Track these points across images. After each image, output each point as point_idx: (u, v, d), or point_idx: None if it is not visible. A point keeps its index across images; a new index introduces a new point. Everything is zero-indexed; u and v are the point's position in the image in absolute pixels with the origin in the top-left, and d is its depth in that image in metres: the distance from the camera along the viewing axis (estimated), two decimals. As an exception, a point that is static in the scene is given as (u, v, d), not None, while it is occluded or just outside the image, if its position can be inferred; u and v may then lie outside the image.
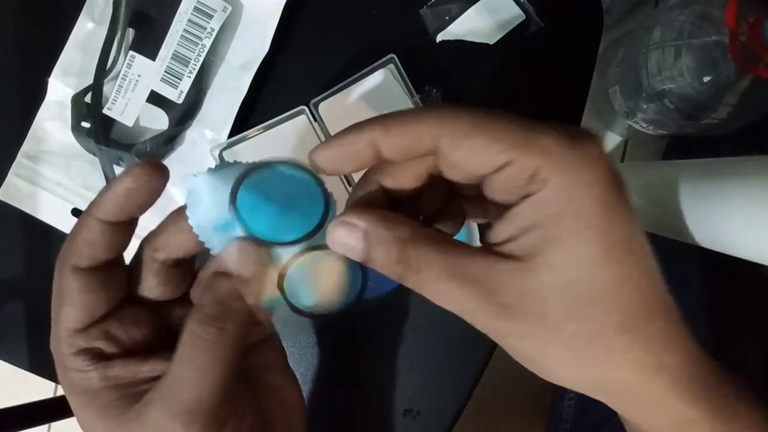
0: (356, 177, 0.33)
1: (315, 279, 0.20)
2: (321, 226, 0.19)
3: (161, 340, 0.21)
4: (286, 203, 0.19)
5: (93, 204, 0.19)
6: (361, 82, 0.34)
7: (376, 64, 0.34)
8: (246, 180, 0.19)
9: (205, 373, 0.18)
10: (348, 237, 0.18)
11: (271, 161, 0.19)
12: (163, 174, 0.19)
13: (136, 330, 0.20)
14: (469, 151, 0.17)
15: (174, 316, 0.22)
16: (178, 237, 0.20)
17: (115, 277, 0.20)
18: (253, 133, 0.35)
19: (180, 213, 0.20)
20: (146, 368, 0.20)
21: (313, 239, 0.19)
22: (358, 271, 0.20)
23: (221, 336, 0.18)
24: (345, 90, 0.34)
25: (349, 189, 0.35)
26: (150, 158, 0.20)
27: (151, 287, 0.21)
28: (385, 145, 0.18)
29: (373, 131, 0.18)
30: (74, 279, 0.19)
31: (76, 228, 0.19)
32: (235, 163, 0.19)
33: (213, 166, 0.19)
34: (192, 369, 0.18)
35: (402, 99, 0.34)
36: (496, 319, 0.18)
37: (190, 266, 0.22)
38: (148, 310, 0.21)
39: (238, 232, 0.19)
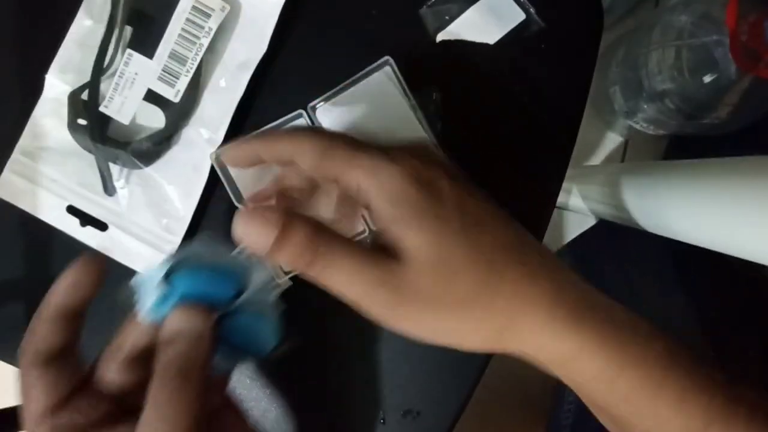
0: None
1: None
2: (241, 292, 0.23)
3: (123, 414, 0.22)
4: (212, 272, 0.23)
5: (43, 304, 0.23)
6: (357, 85, 0.34)
7: (371, 67, 0.34)
8: (179, 262, 0.22)
9: (174, 425, 0.19)
10: (259, 227, 0.20)
11: (191, 247, 0.23)
12: (102, 266, 0.23)
13: (100, 403, 0.22)
14: (309, 166, 0.22)
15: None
16: (132, 334, 0.23)
17: (70, 361, 0.23)
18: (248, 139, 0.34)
19: (134, 317, 0.23)
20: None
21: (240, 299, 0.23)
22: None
23: (185, 387, 0.19)
24: (341, 94, 0.34)
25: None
26: (88, 254, 0.24)
27: (113, 380, 0.22)
28: (263, 154, 0.23)
29: (256, 144, 0.24)
30: (34, 371, 0.22)
31: (31, 326, 0.23)
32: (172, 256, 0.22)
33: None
34: (161, 420, 0.19)
35: (398, 101, 0.34)
36: (385, 306, 0.22)
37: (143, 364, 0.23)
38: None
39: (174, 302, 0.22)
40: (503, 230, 0.23)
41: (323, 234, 0.21)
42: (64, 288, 0.23)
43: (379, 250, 0.22)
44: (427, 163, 0.23)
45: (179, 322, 0.21)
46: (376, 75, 0.34)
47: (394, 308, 0.22)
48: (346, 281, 0.22)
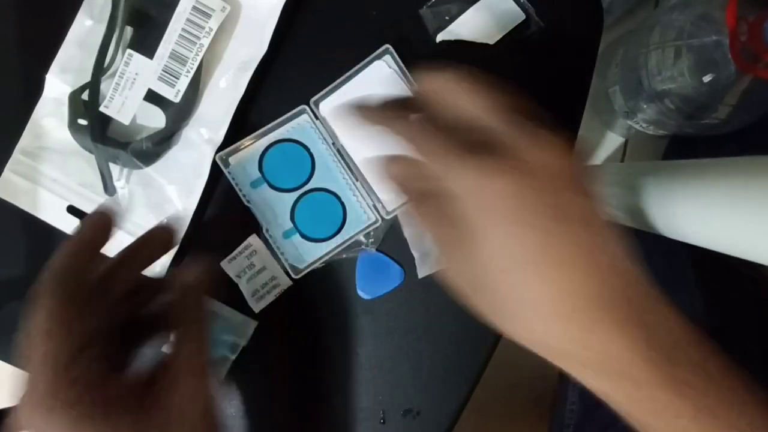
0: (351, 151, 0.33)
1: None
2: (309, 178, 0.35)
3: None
4: (291, 166, 0.35)
5: (72, 237, 0.25)
6: (358, 76, 0.34)
7: (371, 56, 0.34)
8: (267, 153, 0.35)
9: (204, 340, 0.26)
10: (393, 166, 0.26)
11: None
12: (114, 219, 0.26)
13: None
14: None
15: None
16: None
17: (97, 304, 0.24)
18: (251, 140, 0.35)
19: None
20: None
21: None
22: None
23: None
24: (343, 86, 0.34)
25: (338, 157, 0.35)
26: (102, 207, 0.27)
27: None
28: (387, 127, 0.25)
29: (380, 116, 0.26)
30: (78, 311, 0.23)
31: (77, 260, 0.24)
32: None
33: None
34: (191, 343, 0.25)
35: (401, 88, 0.34)
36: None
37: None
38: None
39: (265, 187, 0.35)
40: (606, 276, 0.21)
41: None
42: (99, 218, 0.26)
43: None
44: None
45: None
46: (376, 64, 0.34)
47: (459, 267, 0.24)
48: (426, 220, 0.24)
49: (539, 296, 0.21)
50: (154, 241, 0.28)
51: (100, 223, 0.26)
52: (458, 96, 0.23)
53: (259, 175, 0.35)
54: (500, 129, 0.23)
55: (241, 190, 0.34)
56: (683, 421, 0.21)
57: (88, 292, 0.24)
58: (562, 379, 0.25)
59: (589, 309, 0.21)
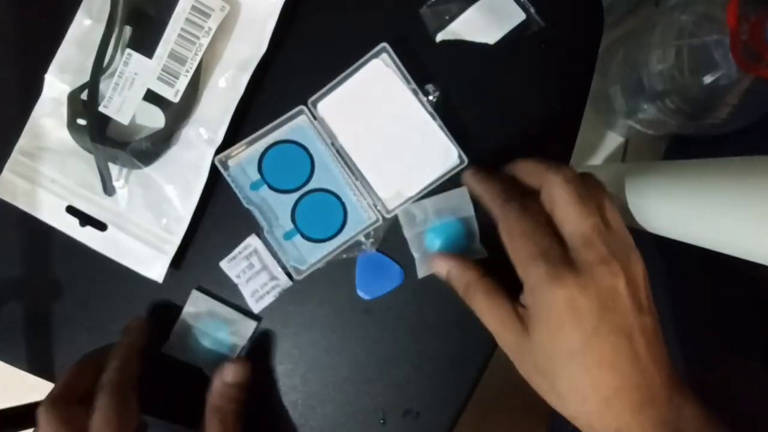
0: (355, 157, 0.33)
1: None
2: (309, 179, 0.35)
3: None
4: (290, 167, 0.35)
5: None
6: (356, 75, 0.34)
7: (368, 55, 0.34)
8: (266, 155, 0.35)
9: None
10: (439, 266, 0.32)
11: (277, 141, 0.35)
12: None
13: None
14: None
15: None
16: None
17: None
18: (249, 142, 0.34)
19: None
20: None
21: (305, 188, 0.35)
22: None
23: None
24: (341, 86, 0.34)
25: (337, 157, 0.35)
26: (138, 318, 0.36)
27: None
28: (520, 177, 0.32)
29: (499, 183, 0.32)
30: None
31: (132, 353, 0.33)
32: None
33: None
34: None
35: (399, 86, 0.34)
36: (508, 345, 0.29)
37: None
38: None
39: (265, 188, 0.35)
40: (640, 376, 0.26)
41: (474, 276, 0.30)
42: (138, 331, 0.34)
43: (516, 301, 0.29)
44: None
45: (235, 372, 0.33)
46: (373, 62, 0.34)
47: (515, 350, 0.29)
48: (482, 314, 0.30)
49: (583, 386, 0.26)
50: (132, 333, 0.33)
51: (88, 365, 0.32)
52: (559, 201, 0.28)
53: (258, 176, 0.35)
54: (581, 245, 0.27)
55: (240, 193, 0.34)
56: None
57: (77, 411, 0.30)
58: None
59: (616, 399, 0.26)
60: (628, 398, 0.26)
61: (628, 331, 0.26)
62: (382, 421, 0.36)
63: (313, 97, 0.34)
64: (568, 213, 0.27)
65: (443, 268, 0.32)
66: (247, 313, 0.35)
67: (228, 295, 0.36)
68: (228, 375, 0.32)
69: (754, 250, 0.35)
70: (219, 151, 0.34)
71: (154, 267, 0.34)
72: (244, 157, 0.35)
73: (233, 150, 0.34)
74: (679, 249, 0.45)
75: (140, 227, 0.34)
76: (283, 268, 0.35)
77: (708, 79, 0.56)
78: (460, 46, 0.35)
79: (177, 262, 0.35)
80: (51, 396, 0.30)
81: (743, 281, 0.57)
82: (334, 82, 0.34)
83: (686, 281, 0.58)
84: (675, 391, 0.26)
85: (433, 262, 0.32)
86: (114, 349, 0.32)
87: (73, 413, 0.29)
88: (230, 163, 0.34)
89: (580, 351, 0.26)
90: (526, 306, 0.28)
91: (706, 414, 0.27)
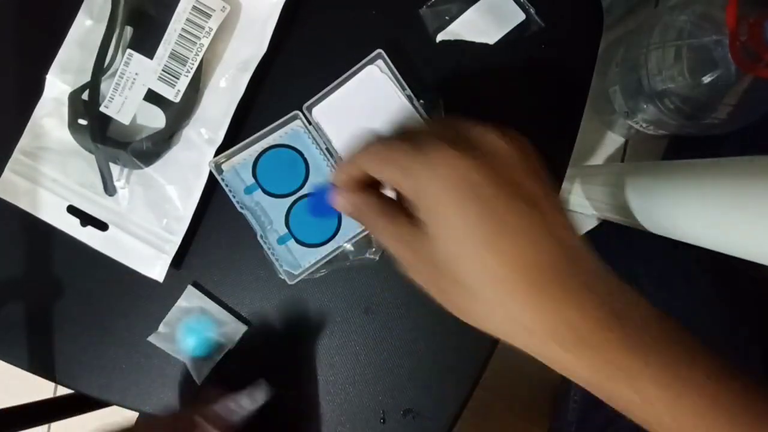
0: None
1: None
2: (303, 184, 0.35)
3: None
4: (285, 171, 0.35)
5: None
6: (351, 80, 0.34)
7: (363, 61, 0.34)
8: (260, 159, 0.35)
9: None
10: (339, 199, 0.27)
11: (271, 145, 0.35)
12: None
13: None
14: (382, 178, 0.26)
15: None
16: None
17: None
18: (244, 146, 0.34)
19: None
20: None
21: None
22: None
23: None
24: (336, 91, 0.34)
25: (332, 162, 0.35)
26: None
27: None
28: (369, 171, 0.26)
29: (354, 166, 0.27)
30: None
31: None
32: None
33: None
34: None
35: (393, 92, 0.34)
36: (409, 265, 0.25)
37: None
38: None
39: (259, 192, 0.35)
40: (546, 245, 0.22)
41: (368, 197, 0.27)
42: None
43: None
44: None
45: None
46: (368, 68, 0.34)
47: (418, 264, 0.25)
48: (379, 236, 0.26)
49: (495, 271, 0.22)
50: None
51: None
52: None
53: (253, 181, 0.34)
54: (450, 131, 0.24)
55: (234, 197, 0.34)
56: (643, 383, 0.22)
57: None
58: (564, 379, 0.25)
59: (542, 280, 0.22)
60: (556, 276, 0.22)
61: (533, 199, 0.23)
62: (382, 420, 0.36)
63: (308, 103, 0.34)
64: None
65: (339, 204, 0.28)
66: (239, 315, 0.36)
67: (225, 296, 0.36)
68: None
69: (754, 250, 0.35)
70: (219, 151, 0.34)
71: (155, 266, 0.34)
72: (239, 161, 0.34)
73: (228, 154, 0.34)
74: (679, 249, 0.45)
75: (141, 227, 0.34)
76: (279, 273, 0.35)
77: (707, 79, 0.56)
78: (460, 46, 0.35)
79: (177, 261, 0.35)
80: None
81: (743, 281, 0.57)
82: (330, 87, 0.34)
83: (686, 281, 0.58)
84: (601, 266, 0.23)
85: (333, 201, 0.28)
86: None
87: None
88: (224, 167, 0.34)
89: (480, 225, 0.22)
90: (417, 208, 0.24)
91: (635, 291, 0.23)
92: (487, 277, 0.22)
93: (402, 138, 0.25)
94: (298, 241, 0.35)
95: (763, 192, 0.33)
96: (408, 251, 0.25)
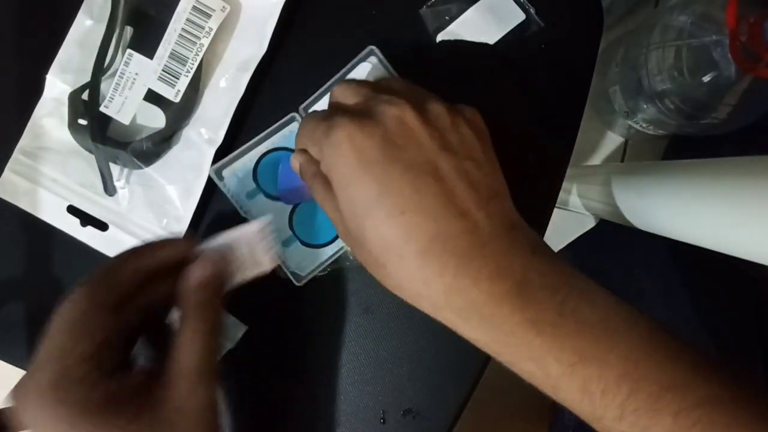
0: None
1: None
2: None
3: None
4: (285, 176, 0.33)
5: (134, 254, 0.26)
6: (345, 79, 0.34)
7: (356, 58, 0.34)
8: (261, 163, 0.34)
9: (209, 338, 0.25)
10: (293, 163, 0.28)
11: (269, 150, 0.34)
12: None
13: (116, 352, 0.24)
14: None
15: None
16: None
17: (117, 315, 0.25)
18: (243, 152, 0.34)
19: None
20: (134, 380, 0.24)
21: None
22: None
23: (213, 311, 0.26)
24: (331, 91, 0.34)
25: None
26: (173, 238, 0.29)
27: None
28: None
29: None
30: (103, 317, 0.24)
31: (121, 263, 0.25)
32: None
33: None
34: (198, 338, 0.24)
35: None
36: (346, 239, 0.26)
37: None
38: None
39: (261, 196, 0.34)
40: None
41: (309, 158, 0.27)
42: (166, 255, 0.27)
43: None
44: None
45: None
46: (362, 66, 0.34)
47: (346, 236, 0.26)
48: (322, 205, 0.27)
49: (392, 237, 0.23)
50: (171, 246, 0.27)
51: (171, 250, 0.26)
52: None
53: (254, 185, 0.34)
54: (361, 101, 0.25)
55: (237, 202, 0.34)
56: (542, 356, 0.22)
57: (117, 301, 0.24)
58: None
59: (434, 249, 0.22)
60: (451, 247, 0.22)
61: (431, 169, 0.23)
62: (382, 420, 0.36)
63: (304, 104, 0.34)
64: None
65: (295, 165, 0.28)
66: (239, 316, 0.35)
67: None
68: (208, 266, 0.26)
69: (753, 250, 0.35)
70: (219, 150, 0.34)
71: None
72: (239, 166, 0.34)
73: (227, 160, 0.34)
74: (679, 249, 0.45)
75: (141, 227, 0.35)
76: (285, 276, 0.35)
77: (707, 79, 0.56)
78: (460, 46, 0.35)
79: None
80: (90, 277, 0.25)
81: (743, 281, 0.57)
82: (324, 87, 0.34)
83: (686, 281, 0.58)
84: (516, 239, 0.23)
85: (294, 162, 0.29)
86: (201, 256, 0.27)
87: (116, 311, 0.24)
88: (225, 173, 0.34)
89: (377, 198, 0.22)
90: (332, 183, 0.24)
91: (557, 261, 0.23)
92: (389, 245, 0.23)
93: (324, 114, 0.26)
94: (303, 243, 0.35)
95: (763, 192, 0.33)
96: (336, 219, 0.26)
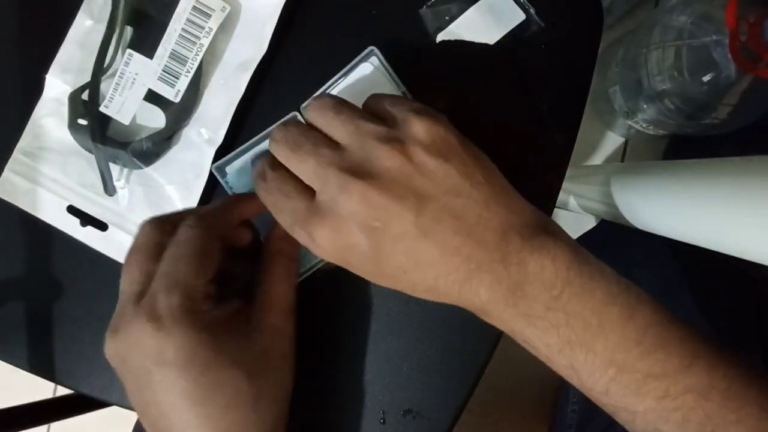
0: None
1: None
2: None
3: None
4: None
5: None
6: (345, 80, 0.34)
7: (356, 59, 0.34)
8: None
9: (294, 279, 0.31)
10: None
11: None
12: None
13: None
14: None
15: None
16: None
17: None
18: (245, 150, 0.34)
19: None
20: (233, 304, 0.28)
21: None
22: None
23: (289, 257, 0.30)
24: (331, 90, 0.34)
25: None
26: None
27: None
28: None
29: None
30: (217, 244, 0.27)
31: (231, 207, 0.30)
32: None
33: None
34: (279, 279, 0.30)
35: (388, 89, 0.34)
36: None
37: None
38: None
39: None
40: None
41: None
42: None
43: None
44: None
45: None
46: (362, 66, 0.34)
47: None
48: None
49: (400, 288, 0.27)
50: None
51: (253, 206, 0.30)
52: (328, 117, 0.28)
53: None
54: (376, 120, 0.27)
55: None
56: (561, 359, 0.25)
57: (222, 235, 0.28)
58: (563, 381, 0.26)
59: (439, 287, 0.26)
60: (453, 280, 0.26)
61: (420, 234, 0.25)
62: (382, 420, 0.36)
63: (305, 104, 0.34)
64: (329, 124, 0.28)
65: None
66: None
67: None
68: None
69: (753, 250, 0.35)
70: (219, 150, 0.34)
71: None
72: (241, 164, 0.34)
73: (229, 158, 0.34)
74: (679, 249, 0.45)
75: (135, 223, 0.34)
76: None
77: (707, 79, 0.56)
78: (460, 46, 0.35)
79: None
80: (215, 208, 0.29)
81: (743, 281, 0.57)
82: (324, 87, 0.34)
83: (686, 281, 0.58)
84: (513, 249, 0.25)
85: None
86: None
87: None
88: (227, 170, 0.34)
89: (379, 276, 0.28)
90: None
91: (562, 265, 0.25)
92: (421, 262, 0.26)
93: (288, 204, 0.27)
94: None
95: (762, 192, 0.33)
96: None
